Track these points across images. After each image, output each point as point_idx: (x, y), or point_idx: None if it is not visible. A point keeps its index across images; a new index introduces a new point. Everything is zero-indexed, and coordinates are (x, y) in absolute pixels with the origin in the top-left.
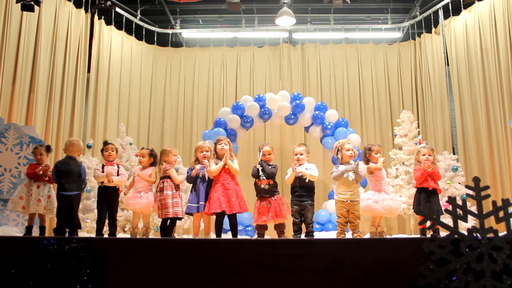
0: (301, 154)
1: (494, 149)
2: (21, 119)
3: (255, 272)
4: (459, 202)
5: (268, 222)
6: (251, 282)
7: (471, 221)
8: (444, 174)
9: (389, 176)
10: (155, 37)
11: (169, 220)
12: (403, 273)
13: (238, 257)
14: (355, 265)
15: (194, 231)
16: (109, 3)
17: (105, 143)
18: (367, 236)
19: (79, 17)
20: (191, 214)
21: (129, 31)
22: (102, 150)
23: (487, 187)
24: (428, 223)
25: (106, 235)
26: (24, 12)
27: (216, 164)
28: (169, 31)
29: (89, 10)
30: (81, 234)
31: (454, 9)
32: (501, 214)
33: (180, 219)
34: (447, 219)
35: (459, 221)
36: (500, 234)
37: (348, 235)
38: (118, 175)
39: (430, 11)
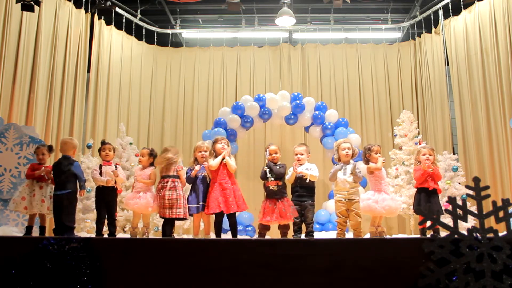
0: (302, 154)
1: (494, 149)
2: (21, 119)
3: (255, 272)
4: (459, 202)
5: (272, 223)
6: (251, 282)
7: (471, 221)
8: (444, 174)
9: (389, 176)
10: (155, 37)
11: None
12: (403, 273)
13: (238, 257)
14: (355, 265)
15: (194, 231)
16: (109, 3)
17: (103, 143)
18: (367, 236)
19: (79, 17)
20: (191, 215)
21: (129, 31)
22: (99, 150)
23: (487, 187)
24: (428, 223)
25: (105, 235)
26: (24, 12)
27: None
28: (169, 31)
29: (89, 10)
30: (81, 234)
31: (454, 9)
32: (501, 214)
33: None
34: (447, 219)
35: (459, 221)
36: (500, 234)
37: (349, 235)
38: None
39: (430, 11)
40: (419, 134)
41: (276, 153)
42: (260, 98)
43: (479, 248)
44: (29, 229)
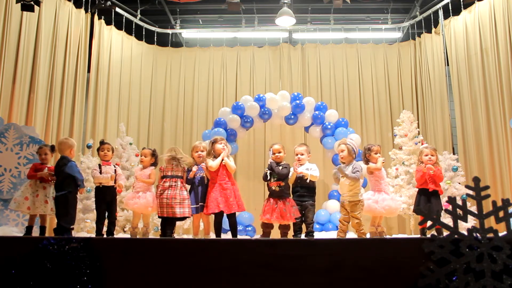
0: (302, 154)
1: (494, 149)
2: (21, 119)
3: (255, 272)
4: (459, 202)
5: (272, 221)
6: (251, 282)
7: (471, 221)
8: (444, 174)
9: (389, 176)
10: (155, 37)
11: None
12: (403, 273)
13: (238, 257)
14: (355, 265)
15: (193, 231)
16: (109, 3)
17: (102, 143)
18: (367, 236)
19: (79, 17)
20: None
21: (129, 31)
22: (98, 150)
23: (487, 187)
24: (428, 223)
25: (105, 235)
26: (24, 12)
27: (213, 161)
28: (169, 31)
29: (89, 10)
30: (81, 234)
31: (454, 9)
32: (501, 214)
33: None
34: (447, 219)
35: (459, 221)
36: (500, 234)
37: (352, 235)
38: (116, 174)
39: (430, 11)
40: (419, 134)
41: (279, 152)
42: (260, 98)
43: (479, 248)
44: (29, 229)
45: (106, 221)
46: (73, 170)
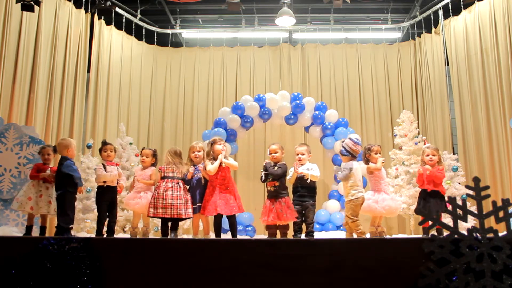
0: (303, 154)
1: (494, 149)
2: (21, 119)
3: (255, 272)
4: (459, 202)
5: (269, 222)
6: (251, 282)
7: (471, 221)
8: (444, 174)
9: (389, 176)
10: (155, 37)
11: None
12: (403, 273)
13: (238, 257)
14: (355, 265)
15: (193, 231)
16: (109, 3)
17: (104, 143)
18: (367, 236)
19: (79, 17)
20: None
21: (129, 31)
22: (100, 150)
23: (487, 187)
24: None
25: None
26: (24, 12)
27: (212, 164)
28: (169, 31)
29: (89, 10)
30: (81, 234)
31: (454, 9)
32: (501, 214)
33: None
34: (447, 219)
35: (459, 221)
36: (500, 234)
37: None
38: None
39: (430, 11)
40: (419, 134)
41: (275, 152)
42: (260, 98)
43: (479, 248)
44: (29, 228)
45: (105, 221)
46: (69, 168)
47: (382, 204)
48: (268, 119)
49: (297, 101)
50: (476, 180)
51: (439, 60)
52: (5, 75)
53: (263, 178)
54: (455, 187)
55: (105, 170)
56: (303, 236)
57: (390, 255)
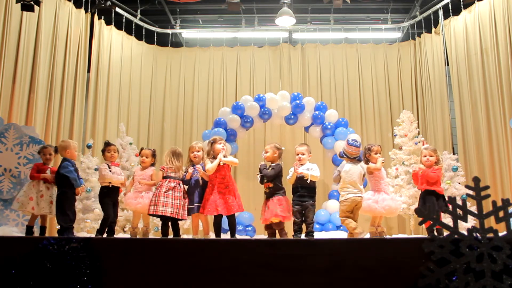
0: (303, 154)
1: (494, 149)
2: (21, 119)
3: (255, 272)
4: (459, 202)
5: (263, 222)
6: (251, 282)
7: (471, 221)
8: (444, 174)
9: (389, 176)
10: (155, 37)
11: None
12: (403, 273)
13: (238, 257)
14: (355, 265)
15: (193, 231)
16: (109, 3)
17: (108, 144)
18: (367, 236)
19: (79, 17)
20: (189, 215)
21: (129, 31)
22: (103, 151)
23: (487, 187)
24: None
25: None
26: (24, 12)
27: (212, 162)
28: (169, 31)
29: (89, 10)
30: (81, 234)
31: (454, 9)
32: (501, 214)
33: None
34: (447, 219)
35: (459, 221)
36: (500, 234)
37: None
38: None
39: (430, 11)
40: (419, 134)
41: (266, 152)
42: (260, 98)
43: (479, 248)
44: (30, 229)
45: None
46: (65, 170)
47: (382, 204)
48: (268, 119)
49: (297, 101)
50: (476, 180)
51: (439, 60)
52: (5, 75)
53: (259, 180)
54: (455, 187)
55: (111, 171)
56: (303, 236)
57: (390, 255)
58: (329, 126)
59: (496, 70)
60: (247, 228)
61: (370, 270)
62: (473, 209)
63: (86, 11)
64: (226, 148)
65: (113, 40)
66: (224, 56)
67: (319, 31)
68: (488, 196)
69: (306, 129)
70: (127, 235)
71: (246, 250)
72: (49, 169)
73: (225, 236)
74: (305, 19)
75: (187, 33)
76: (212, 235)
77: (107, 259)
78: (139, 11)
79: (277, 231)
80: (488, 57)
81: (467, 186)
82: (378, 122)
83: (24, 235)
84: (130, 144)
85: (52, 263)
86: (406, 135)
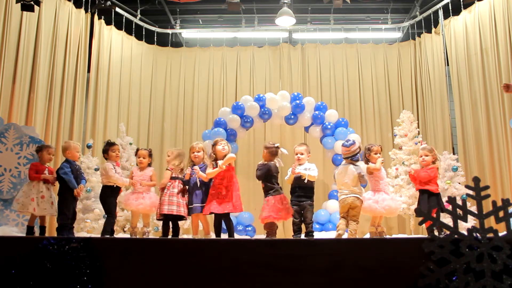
0: (302, 154)
1: (494, 149)
2: (21, 119)
3: (255, 272)
4: (459, 202)
5: (262, 222)
6: (251, 282)
7: (471, 221)
8: (444, 174)
9: (389, 176)
10: (155, 37)
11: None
12: (403, 273)
13: (238, 257)
14: (355, 265)
15: (193, 231)
16: (109, 3)
17: (111, 144)
18: (367, 236)
19: (79, 17)
20: (189, 215)
21: (129, 31)
22: (106, 151)
23: (487, 187)
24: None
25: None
26: (24, 12)
27: (213, 167)
28: (169, 31)
29: (89, 10)
30: (81, 234)
31: (454, 9)
32: (501, 214)
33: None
34: (447, 219)
35: (459, 221)
36: (500, 234)
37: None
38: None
39: (430, 11)
40: (419, 134)
41: (263, 153)
42: (260, 98)
43: (479, 248)
44: (30, 229)
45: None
46: (61, 171)
47: (382, 204)
48: (268, 119)
49: (297, 101)
50: (476, 180)
51: (439, 60)
52: (5, 75)
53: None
54: (455, 187)
55: (115, 172)
56: (303, 236)
57: (390, 255)
58: (329, 126)
59: (496, 70)
60: (247, 228)
61: (370, 270)
62: (473, 209)
63: (86, 11)
64: (227, 149)
65: (113, 40)
66: (224, 56)
67: (319, 31)
68: (488, 196)
69: (306, 129)
70: (127, 235)
71: (246, 250)
72: (46, 169)
73: (226, 236)
74: (305, 19)
75: (187, 33)
76: (212, 235)
77: (107, 259)
78: (139, 11)
79: (276, 231)
80: (488, 57)
81: (467, 186)
82: (378, 122)
83: (24, 235)
84: (130, 144)
85: (52, 263)
86: (406, 135)
